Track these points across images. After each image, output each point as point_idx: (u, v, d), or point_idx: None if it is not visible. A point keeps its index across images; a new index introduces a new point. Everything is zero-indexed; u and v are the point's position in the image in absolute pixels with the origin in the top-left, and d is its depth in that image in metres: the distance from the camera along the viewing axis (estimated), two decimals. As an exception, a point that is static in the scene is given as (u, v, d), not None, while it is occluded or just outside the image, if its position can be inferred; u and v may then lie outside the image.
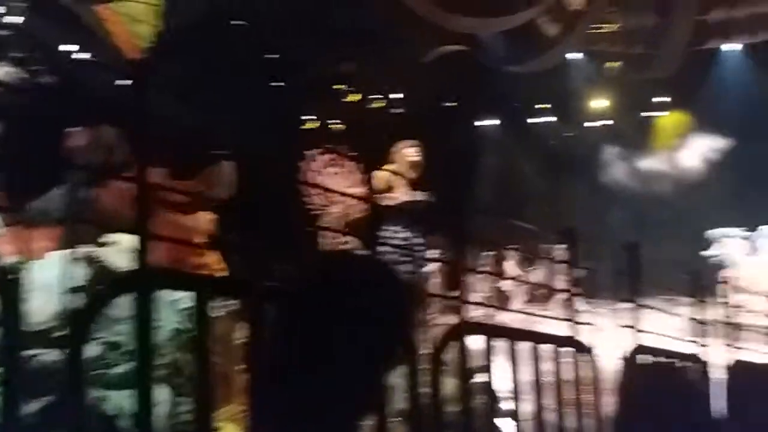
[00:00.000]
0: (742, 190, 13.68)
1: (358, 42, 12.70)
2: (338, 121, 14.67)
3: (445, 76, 13.68)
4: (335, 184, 14.83)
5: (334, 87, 14.49)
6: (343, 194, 12.87)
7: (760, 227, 11.98)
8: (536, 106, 16.27)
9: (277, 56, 13.29)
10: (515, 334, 3.68)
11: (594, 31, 14.49)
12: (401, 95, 14.63)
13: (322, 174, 14.85)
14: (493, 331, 3.61)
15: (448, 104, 15.57)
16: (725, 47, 14.87)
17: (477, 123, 16.63)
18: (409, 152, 16.04)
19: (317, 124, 14.63)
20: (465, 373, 3.16)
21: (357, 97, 14.53)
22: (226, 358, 3.37)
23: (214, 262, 4.32)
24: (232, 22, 12.92)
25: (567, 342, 4.05)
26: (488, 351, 3.34)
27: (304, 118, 14.62)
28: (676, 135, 15.22)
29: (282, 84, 13.57)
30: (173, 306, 3.49)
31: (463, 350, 3.20)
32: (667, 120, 15.70)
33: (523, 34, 13.39)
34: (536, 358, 3.58)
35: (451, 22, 11.78)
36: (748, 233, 12.34)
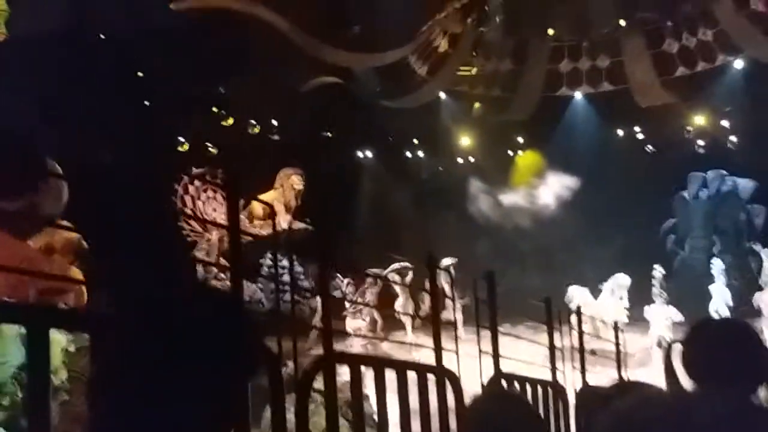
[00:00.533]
0: (591, 226, 14.83)
1: (234, 65, 12.48)
2: (213, 144, 14.24)
3: (322, 106, 13.76)
4: (209, 210, 14.96)
5: (210, 109, 14.04)
6: (216, 223, 12.68)
7: (610, 277, 12.82)
8: (410, 141, 16.84)
9: (147, 74, 12.72)
10: (382, 364, 3.62)
11: (460, 73, 15.38)
12: (276, 122, 14.47)
13: (196, 199, 14.73)
14: (360, 361, 3.54)
15: (325, 134, 15.67)
16: (577, 95, 16.16)
17: (353, 154, 16.88)
18: (294, 179, 15.71)
19: (190, 146, 14.08)
20: (333, 402, 3.05)
21: (231, 121, 14.10)
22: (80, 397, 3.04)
23: (77, 293, 3.86)
24: (100, 36, 12.24)
25: (433, 370, 4.06)
26: (357, 381, 3.25)
27: (178, 139, 14.01)
28: (531, 173, 16.27)
29: (151, 104, 13.02)
30: (18, 341, 3.16)
31: (330, 380, 3.09)
32: (524, 159, 16.80)
33: (396, 72, 13.86)
34: (403, 386, 3.55)
35: (326, 55, 11.92)
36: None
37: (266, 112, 14.15)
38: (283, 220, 14.30)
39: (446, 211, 15.68)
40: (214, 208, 14.60)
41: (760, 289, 12.21)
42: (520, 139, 16.91)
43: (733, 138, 15.95)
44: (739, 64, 14.42)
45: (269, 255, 10.33)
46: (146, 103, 13.10)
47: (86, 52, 11.26)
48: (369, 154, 17.07)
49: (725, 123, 15.82)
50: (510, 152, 17.08)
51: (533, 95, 15.25)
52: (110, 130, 10.26)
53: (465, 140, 16.54)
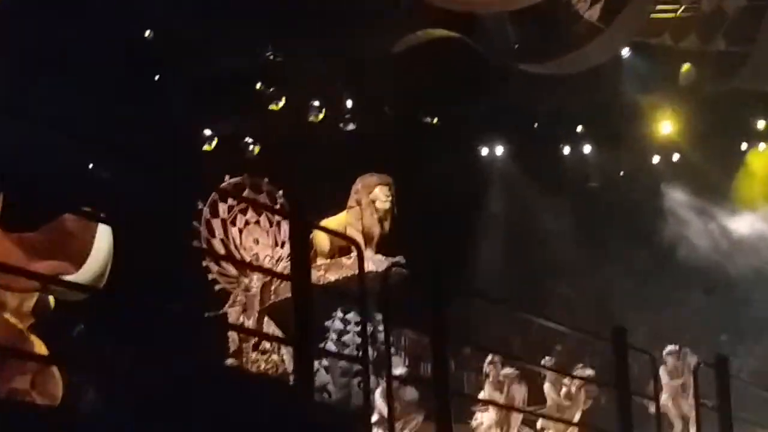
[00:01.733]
0: None
1: (288, 18, 12.36)
2: (255, 140, 14.13)
3: (424, 79, 13.38)
4: (253, 243, 14.19)
5: (252, 87, 13.88)
6: (257, 268, 12.35)
7: None
8: (571, 128, 16.13)
9: (158, 35, 12.74)
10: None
11: (657, 15, 14.04)
12: (351, 104, 14.22)
13: (230, 225, 14.30)
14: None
15: (429, 121, 15.24)
16: None
17: (475, 151, 16.34)
18: (378, 193, 14.79)
19: (220, 144, 14.02)
20: None
21: (282, 104, 13.87)
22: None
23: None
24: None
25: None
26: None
27: (203, 134, 14.01)
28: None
29: (163, 79, 13.18)
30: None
31: None
32: (763, 158, 15.81)
33: (548, 16, 13.11)
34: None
35: None
36: None
37: (336, 89, 13.94)
38: (366, 258, 13.70)
39: (631, 245, 14.92)
40: (256, 239, 13.96)
41: None
42: (762, 125, 15.44)
43: None
44: None
45: (340, 315, 10.16)
46: (156, 77, 13.21)
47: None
48: (500, 150, 16.45)
49: None
50: (745, 146, 15.87)
51: None
52: (102, 120, 10.57)
53: (666, 126, 15.47)
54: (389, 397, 5.62)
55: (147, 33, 12.84)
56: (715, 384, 6.51)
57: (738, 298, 14.42)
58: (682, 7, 14.05)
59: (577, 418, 11.66)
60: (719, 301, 14.39)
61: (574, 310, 13.50)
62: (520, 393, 11.69)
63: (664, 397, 10.67)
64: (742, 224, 14.93)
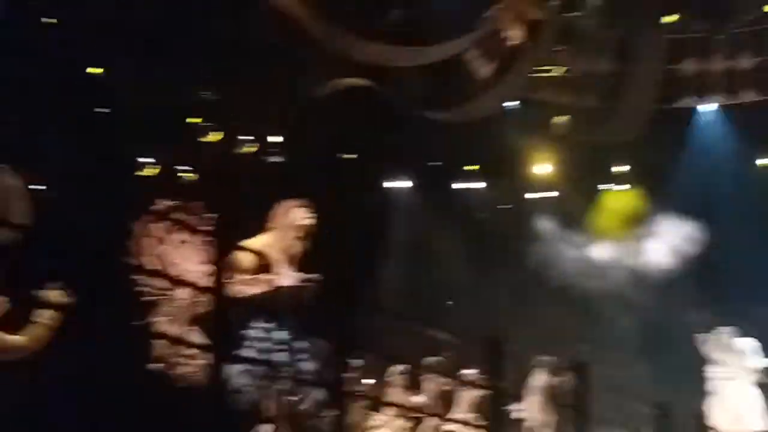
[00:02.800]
0: (723, 294, 14.24)
1: (226, 62, 12.44)
2: (190, 167, 14.05)
3: (343, 120, 13.56)
4: (182, 259, 14.46)
5: (187, 120, 13.88)
6: (184, 282, 12.41)
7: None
8: (464, 167, 16.41)
9: (102, 71, 12.56)
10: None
11: (539, 75, 14.81)
12: (281, 138, 14.22)
13: (163, 243, 14.21)
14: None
15: (346, 156, 15.30)
16: (705, 107, 15.67)
17: (383, 183, 16.37)
18: (297, 215, 14.88)
19: (158, 170, 13.89)
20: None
21: (218, 136, 13.86)
22: None
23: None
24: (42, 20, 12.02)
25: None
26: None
27: (140, 160, 13.81)
28: (628, 219, 15.55)
29: (107, 110, 12.80)
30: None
31: None
32: (617, 199, 16.06)
33: (449, 73, 13.50)
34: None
35: (353, 49, 11.64)
36: None
37: (266, 125, 13.92)
38: (282, 273, 13.77)
39: (512, 267, 15.19)
40: (187, 256, 14.00)
41: None
42: (622, 169, 16.17)
43: None
44: None
45: (258, 325, 10.18)
46: (99, 110, 12.79)
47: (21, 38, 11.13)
48: (406, 184, 16.56)
49: None
50: (607, 187, 16.38)
51: (643, 107, 14.62)
52: (46, 148, 10.19)
53: (542, 168, 15.98)
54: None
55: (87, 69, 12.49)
56: (575, 388, 6.61)
57: (594, 314, 14.71)
58: (560, 70, 14.80)
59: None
60: (578, 316, 14.60)
61: (460, 322, 13.66)
62: (418, 396, 11.49)
63: (533, 402, 10.70)
64: (597, 251, 15.15)
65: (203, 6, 12.26)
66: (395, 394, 11.82)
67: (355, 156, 15.30)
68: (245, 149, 14.06)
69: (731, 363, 11.84)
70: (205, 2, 12.45)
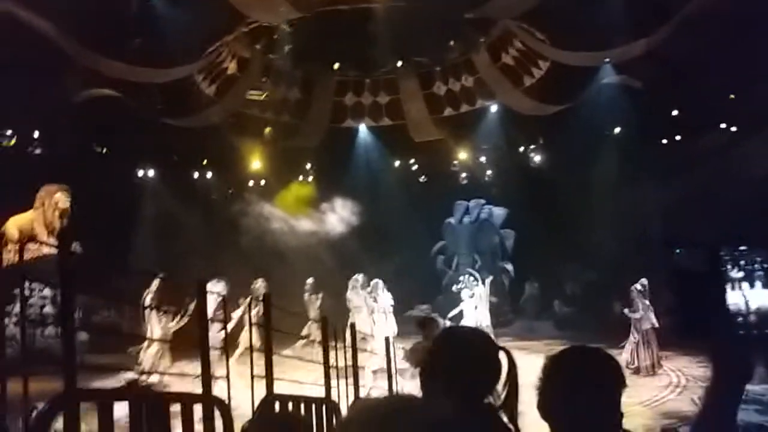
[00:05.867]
0: (374, 247, 15.42)
1: None
2: None
3: (96, 120, 12.54)
4: None
5: None
6: None
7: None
8: (199, 161, 16.21)
9: None
10: (139, 398, 3.14)
11: (251, 96, 15.23)
12: (38, 135, 13.00)
13: None
14: (110, 396, 3.02)
15: (99, 150, 14.41)
16: (361, 127, 16.92)
17: (132, 172, 15.61)
18: (58, 197, 13.87)
19: None
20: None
21: None
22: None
23: None
24: None
25: (200, 399, 3.64)
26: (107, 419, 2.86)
27: None
28: (303, 203, 16.02)
29: None
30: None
31: (72, 423, 2.72)
32: (295, 189, 16.65)
33: (181, 90, 13.21)
34: (162, 420, 3.10)
35: (101, 66, 10.88)
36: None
37: (26, 122, 12.60)
38: (48, 244, 12.60)
39: (238, 235, 14.96)
40: None
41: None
42: (309, 166, 17.11)
43: (489, 172, 18.16)
44: (494, 108, 16.27)
45: (29, 285, 8.88)
46: None
47: None
48: (151, 173, 15.92)
49: (483, 159, 17.97)
50: (300, 178, 17.15)
51: (320, 124, 15.66)
52: None
53: (255, 163, 16.29)
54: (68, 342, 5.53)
55: None
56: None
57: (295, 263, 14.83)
58: (264, 94, 15.44)
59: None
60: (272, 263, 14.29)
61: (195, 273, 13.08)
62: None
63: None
64: (298, 224, 15.30)
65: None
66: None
67: (107, 150, 14.45)
68: (7, 143, 12.77)
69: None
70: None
